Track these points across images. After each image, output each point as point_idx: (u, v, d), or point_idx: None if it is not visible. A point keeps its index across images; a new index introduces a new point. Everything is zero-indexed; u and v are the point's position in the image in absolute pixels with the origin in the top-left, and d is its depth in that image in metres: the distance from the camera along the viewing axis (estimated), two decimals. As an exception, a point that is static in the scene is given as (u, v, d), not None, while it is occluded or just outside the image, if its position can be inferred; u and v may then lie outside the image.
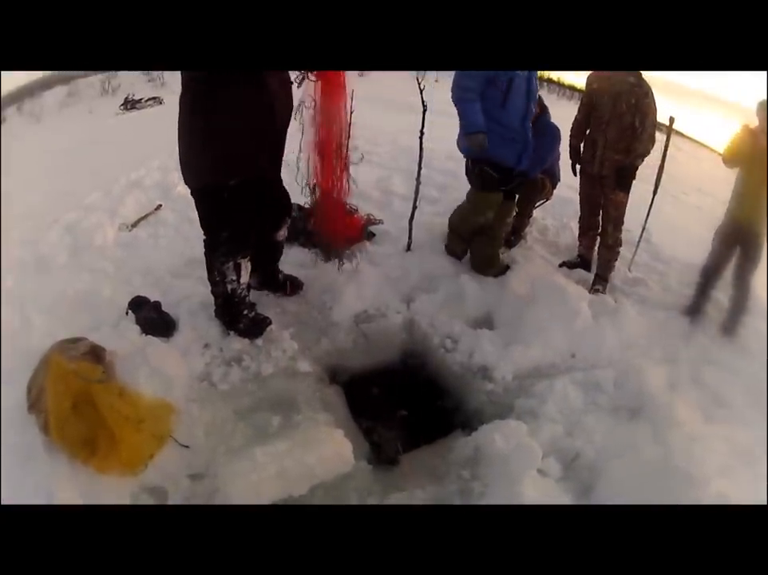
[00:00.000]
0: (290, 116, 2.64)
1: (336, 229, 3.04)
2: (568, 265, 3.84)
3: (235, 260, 2.72)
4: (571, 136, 3.70)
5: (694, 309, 3.50)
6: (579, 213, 3.90)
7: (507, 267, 3.57)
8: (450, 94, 3.16)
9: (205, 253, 2.75)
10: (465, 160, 3.44)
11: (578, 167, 3.74)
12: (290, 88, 2.59)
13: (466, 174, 3.46)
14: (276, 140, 2.63)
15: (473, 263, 3.59)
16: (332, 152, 2.74)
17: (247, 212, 2.65)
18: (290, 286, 3.19)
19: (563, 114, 4.04)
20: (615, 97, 3.32)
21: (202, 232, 2.68)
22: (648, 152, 3.41)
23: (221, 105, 2.35)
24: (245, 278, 2.82)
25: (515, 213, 3.87)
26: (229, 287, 2.75)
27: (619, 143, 3.38)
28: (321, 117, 2.66)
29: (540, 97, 4.03)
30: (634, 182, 3.49)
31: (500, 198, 3.38)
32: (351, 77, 2.68)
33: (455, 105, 3.15)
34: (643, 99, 3.28)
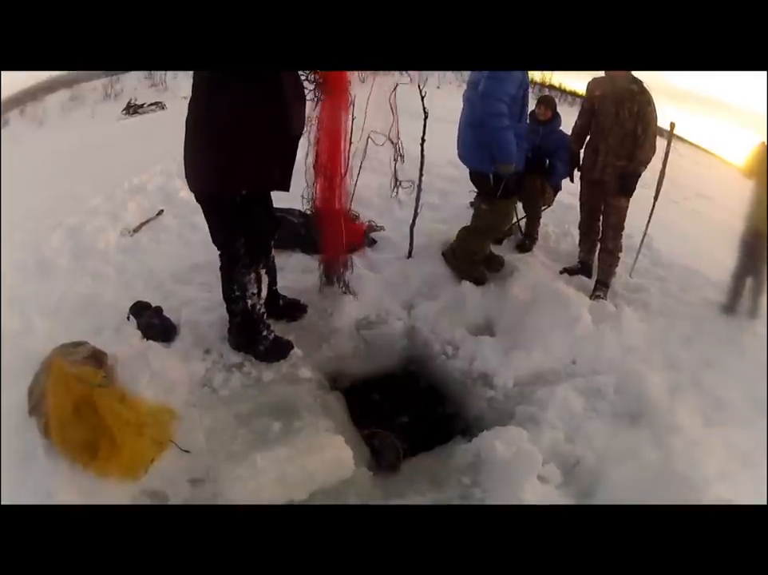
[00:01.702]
0: (303, 128, 2.56)
1: (338, 238, 3.01)
2: (569, 272, 3.84)
3: (257, 270, 2.63)
4: (571, 142, 3.72)
5: (729, 308, 3.66)
6: (580, 219, 3.91)
7: (502, 262, 3.60)
8: (463, 108, 3.23)
9: (222, 267, 2.63)
10: (467, 170, 3.45)
11: (576, 173, 3.77)
12: (305, 101, 2.50)
13: (480, 186, 3.42)
14: (288, 152, 2.50)
15: (450, 249, 3.58)
16: (333, 162, 2.71)
17: (263, 215, 2.59)
18: (293, 311, 3.08)
19: (564, 120, 4.06)
20: (618, 103, 3.34)
21: (204, 238, 2.58)
22: (650, 160, 3.43)
23: (237, 110, 2.24)
24: (265, 291, 2.72)
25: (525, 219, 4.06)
26: (249, 301, 2.64)
27: (620, 149, 3.40)
28: (322, 127, 2.64)
29: (553, 99, 4.08)
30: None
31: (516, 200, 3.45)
32: (353, 84, 2.69)
33: (490, 134, 3.04)
34: (645, 107, 3.29)
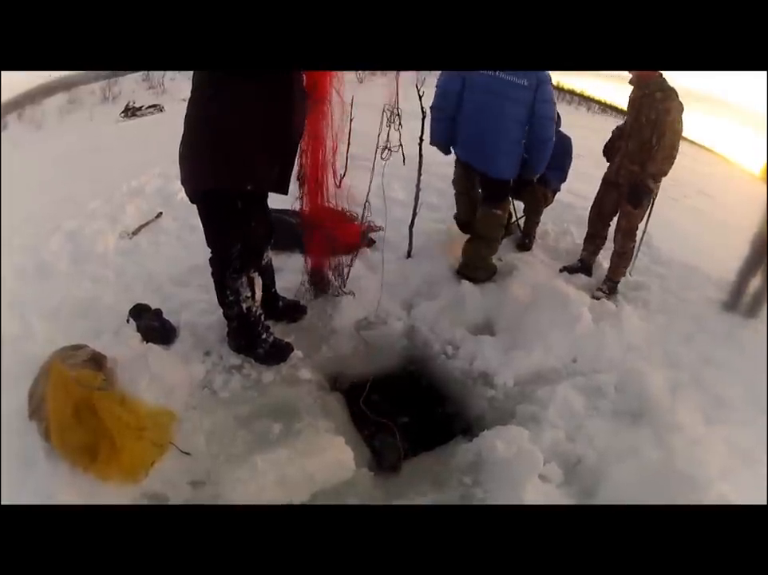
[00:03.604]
0: (303, 131, 2.51)
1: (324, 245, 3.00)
2: (569, 270, 3.84)
3: (248, 274, 2.60)
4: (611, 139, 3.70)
5: (731, 306, 3.68)
6: (588, 217, 3.93)
7: (495, 271, 3.62)
8: (484, 117, 3.19)
9: (213, 273, 2.59)
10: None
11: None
12: (307, 103, 2.45)
13: (495, 192, 3.45)
14: (288, 153, 2.47)
15: (467, 267, 3.54)
16: (321, 162, 2.69)
17: (260, 220, 2.56)
18: (293, 312, 3.06)
19: (563, 119, 4.05)
20: (638, 109, 3.32)
21: (203, 240, 2.56)
22: (662, 173, 3.33)
23: (238, 108, 2.20)
24: (259, 293, 2.68)
25: (524, 220, 4.11)
26: (244, 305, 2.61)
27: (636, 155, 3.39)
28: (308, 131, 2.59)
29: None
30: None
31: None
32: (350, 84, 2.68)
33: (546, 151, 3.23)
34: (664, 116, 3.17)
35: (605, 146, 3.73)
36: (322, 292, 3.22)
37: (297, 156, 2.63)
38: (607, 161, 3.73)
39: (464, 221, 3.82)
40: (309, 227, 2.95)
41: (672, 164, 3.30)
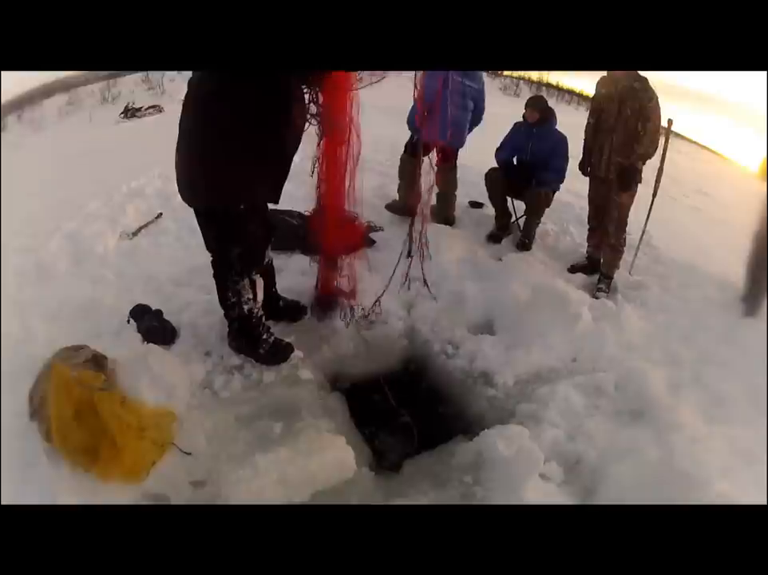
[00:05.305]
0: (300, 141, 2.48)
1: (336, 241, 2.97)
2: (577, 268, 3.86)
3: (250, 276, 2.60)
4: (585, 138, 3.77)
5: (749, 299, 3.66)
6: (587, 214, 3.98)
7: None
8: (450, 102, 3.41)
9: (215, 274, 2.60)
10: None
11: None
12: (306, 114, 2.43)
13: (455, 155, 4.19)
14: (285, 165, 2.46)
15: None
16: (338, 162, 2.65)
17: (259, 225, 2.55)
18: (294, 312, 3.07)
19: (562, 119, 4.07)
20: (621, 102, 3.38)
21: (203, 242, 2.56)
22: (649, 155, 3.48)
23: (234, 121, 2.18)
24: (261, 295, 2.69)
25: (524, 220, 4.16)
26: (246, 307, 2.61)
27: (624, 148, 3.44)
28: (325, 127, 2.54)
29: (541, 100, 4.12)
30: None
31: None
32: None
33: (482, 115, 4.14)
34: (647, 104, 3.33)
35: (581, 162, 3.80)
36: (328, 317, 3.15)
37: (315, 187, 2.70)
38: (584, 175, 3.83)
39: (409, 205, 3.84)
40: (323, 256, 2.99)
41: (657, 147, 3.48)
